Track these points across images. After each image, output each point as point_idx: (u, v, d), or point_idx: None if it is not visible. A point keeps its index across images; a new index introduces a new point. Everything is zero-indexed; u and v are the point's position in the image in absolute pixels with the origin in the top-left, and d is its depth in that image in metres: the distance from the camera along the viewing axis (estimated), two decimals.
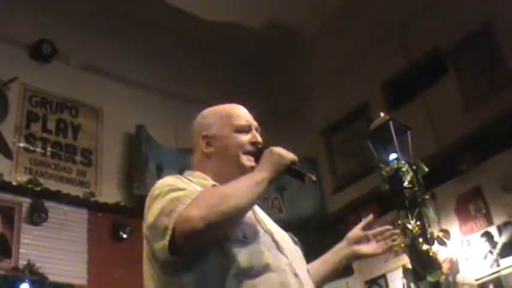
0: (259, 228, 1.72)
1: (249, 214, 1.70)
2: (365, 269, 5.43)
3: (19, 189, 4.73)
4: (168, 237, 1.54)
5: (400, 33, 5.69)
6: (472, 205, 4.77)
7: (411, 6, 5.51)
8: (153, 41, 6.09)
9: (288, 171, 1.76)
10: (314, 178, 1.84)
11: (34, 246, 4.61)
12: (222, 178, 1.75)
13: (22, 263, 4.44)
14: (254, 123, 1.94)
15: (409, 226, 4.11)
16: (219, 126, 1.89)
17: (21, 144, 5.00)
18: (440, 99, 5.24)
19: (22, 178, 4.80)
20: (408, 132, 4.57)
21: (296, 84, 6.66)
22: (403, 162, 4.35)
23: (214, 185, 1.72)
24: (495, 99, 4.85)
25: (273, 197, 6.14)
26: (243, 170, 1.80)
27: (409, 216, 4.17)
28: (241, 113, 1.96)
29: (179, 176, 1.78)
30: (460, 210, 4.84)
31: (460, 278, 4.62)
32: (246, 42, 6.37)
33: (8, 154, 4.89)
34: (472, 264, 4.61)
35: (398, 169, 4.32)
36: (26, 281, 4.34)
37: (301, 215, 6.06)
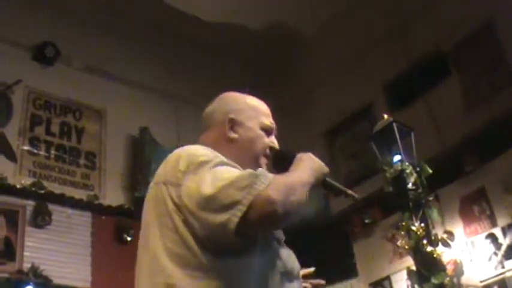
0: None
1: None
2: (369, 270, 5.42)
3: (23, 192, 4.73)
4: (240, 214, 1.41)
5: (401, 33, 5.68)
6: (476, 206, 4.76)
7: (412, 7, 5.50)
8: (155, 42, 6.09)
9: (325, 181, 1.74)
10: (356, 196, 1.84)
11: (38, 249, 4.61)
12: None
13: (26, 265, 4.44)
14: (274, 126, 1.91)
15: (413, 228, 4.11)
16: (249, 116, 1.84)
17: (25, 147, 5.01)
18: (442, 100, 5.23)
19: (26, 181, 4.80)
20: (412, 134, 4.57)
21: (297, 86, 6.65)
22: (406, 163, 4.35)
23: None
24: (497, 99, 4.83)
25: None
26: None
27: (413, 218, 4.17)
28: (269, 113, 1.92)
29: (209, 149, 1.64)
30: (464, 211, 4.83)
31: (464, 279, 4.61)
32: (246, 43, 6.36)
33: (12, 157, 4.89)
34: (477, 266, 4.60)
35: (402, 171, 4.32)
36: (30, 283, 4.35)
37: (305, 217, 6.04)
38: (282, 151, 1.83)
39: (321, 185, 1.73)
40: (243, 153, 1.77)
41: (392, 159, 4.45)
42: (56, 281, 4.52)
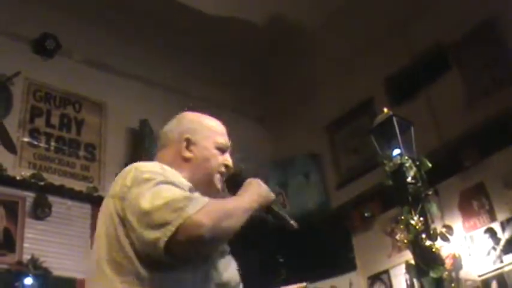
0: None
1: None
2: (368, 264, 5.44)
3: (23, 184, 4.74)
4: (169, 234, 1.49)
5: (402, 28, 5.67)
6: (476, 201, 4.76)
7: (413, 2, 5.49)
8: (156, 35, 6.08)
9: (269, 208, 1.84)
10: (296, 226, 1.92)
11: (38, 241, 4.62)
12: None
13: (26, 257, 4.45)
14: (229, 145, 1.99)
15: (412, 222, 4.12)
16: (204, 136, 1.94)
17: (25, 139, 5.01)
18: (443, 94, 5.23)
19: (26, 173, 4.81)
20: (411, 128, 4.57)
21: (298, 80, 6.65)
22: (406, 157, 4.35)
23: (191, 188, 1.70)
24: (498, 94, 4.84)
25: (276, 192, 6.14)
26: (212, 189, 1.85)
27: (412, 212, 4.17)
28: (224, 132, 2.01)
29: (162, 165, 1.74)
30: (463, 206, 4.83)
31: (463, 274, 4.61)
32: (248, 37, 6.35)
33: (12, 149, 4.90)
34: (475, 261, 4.61)
35: (401, 165, 4.32)
36: (30, 275, 4.36)
37: (305, 210, 6.06)
38: (234, 176, 1.91)
39: (264, 211, 1.83)
40: (198, 172, 1.87)
41: (392, 153, 4.45)
42: (56, 272, 4.53)
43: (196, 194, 1.63)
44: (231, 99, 6.50)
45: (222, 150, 1.94)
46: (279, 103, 6.80)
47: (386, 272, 5.25)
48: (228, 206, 1.64)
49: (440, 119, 5.20)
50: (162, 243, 1.49)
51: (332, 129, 6.32)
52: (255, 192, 1.78)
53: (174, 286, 1.57)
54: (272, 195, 1.84)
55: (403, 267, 4.69)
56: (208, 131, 1.96)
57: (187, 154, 1.88)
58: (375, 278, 5.35)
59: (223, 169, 1.90)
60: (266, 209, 1.82)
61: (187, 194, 1.59)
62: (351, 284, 5.53)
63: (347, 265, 5.57)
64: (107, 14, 5.77)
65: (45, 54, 5.35)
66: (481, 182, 4.75)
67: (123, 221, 1.61)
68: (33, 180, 4.78)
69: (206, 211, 1.53)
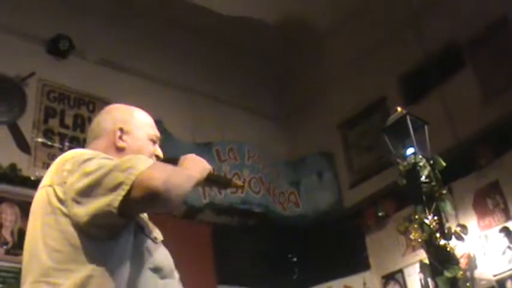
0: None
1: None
2: (382, 264, 5.42)
3: (37, 184, 4.73)
4: (123, 193, 1.51)
5: (416, 26, 5.65)
6: (490, 200, 4.73)
7: None
8: (169, 35, 6.10)
9: (209, 177, 1.88)
10: (241, 183, 1.96)
11: None
12: None
13: None
14: (159, 136, 2.03)
15: (427, 221, 4.10)
16: (137, 126, 1.97)
17: (39, 140, 5.04)
18: (457, 92, 5.19)
19: (40, 173, 4.82)
20: (425, 127, 4.55)
21: (311, 79, 6.64)
22: (420, 156, 4.34)
23: None
24: None
25: (289, 191, 6.14)
26: None
27: (427, 211, 4.16)
28: (153, 124, 2.05)
29: (96, 151, 1.77)
30: (477, 205, 4.80)
31: (477, 273, 4.59)
32: (261, 36, 6.36)
33: (27, 149, 4.93)
34: (490, 260, 4.57)
35: (415, 164, 4.31)
36: None
37: (318, 210, 6.06)
38: (168, 158, 1.94)
39: (206, 179, 1.87)
40: None
41: (405, 152, 4.44)
42: None
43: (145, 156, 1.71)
44: (245, 99, 6.50)
45: (153, 141, 1.98)
46: (293, 102, 6.79)
47: (401, 271, 5.22)
48: (174, 168, 1.68)
49: (454, 117, 5.17)
50: (116, 203, 1.51)
51: (345, 128, 6.30)
52: (192, 163, 1.82)
53: (114, 265, 1.57)
54: (209, 166, 1.88)
55: (417, 266, 4.67)
56: (140, 121, 1.99)
57: (121, 144, 1.90)
58: (388, 278, 5.33)
59: (154, 159, 1.91)
60: (207, 178, 1.87)
61: (133, 156, 1.65)
62: (364, 284, 5.51)
63: (361, 264, 5.56)
64: (120, 14, 5.79)
65: (58, 55, 5.37)
66: (495, 180, 4.72)
67: (66, 202, 1.61)
68: None
69: (157, 166, 1.58)
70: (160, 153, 1.97)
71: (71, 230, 1.59)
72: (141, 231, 1.72)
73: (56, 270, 1.57)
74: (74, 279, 1.54)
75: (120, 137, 1.91)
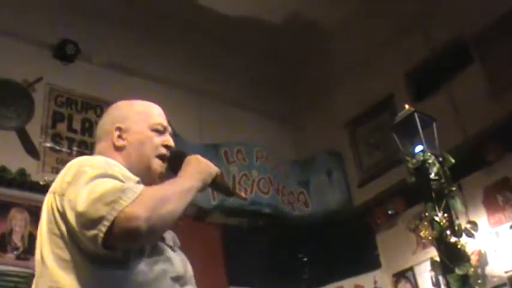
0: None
1: None
2: (392, 262, 5.40)
3: (46, 189, 4.73)
4: (104, 229, 1.45)
5: (422, 22, 5.63)
6: (500, 196, 4.70)
7: None
8: (175, 36, 6.09)
9: (214, 183, 1.78)
10: (245, 196, 1.89)
11: None
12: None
13: None
14: (169, 127, 1.94)
15: (437, 218, 4.09)
16: (135, 120, 1.88)
17: (48, 144, 5.05)
18: (465, 88, 5.17)
19: (49, 178, 4.83)
20: (434, 124, 4.54)
21: (319, 77, 6.63)
22: (429, 154, 4.32)
23: (138, 181, 1.64)
24: None
25: (298, 191, 6.14)
26: (152, 174, 1.80)
27: (436, 208, 4.14)
28: (158, 113, 1.96)
29: (106, 158, 1.71)
30: (488, 201, 4.78)
31: (489, 270, 4.57)
32: (267, 35, 6.34)
33: (35, 154, 4.94)
34: (501, 257, 4.55)
35: (424, 161, 4.29)
36: None
37: (328, 209, 6.04)
38: (173, 152, 1.86)
39: (210, 187, 1.78)
40: (134, 158, 1.82)
41: (414, 150, 4.43)
42: None
43: (132, 184, 1.57)
44: (251, 99, 6.50)
45: (159, 131, 1.89)
46: (299, 102, 6.78)
47: (411, 269, 5.21)
48: (164, 191, 1.58)
49: (462, 113, 5.14)
50: (99, 239, 1.46)
51: (353, 126, 6.29)
52: (195, 170, 1.72)
53: (120, 284, 1.54)
54: (215, 169, 1.78)
55: (428, 264, 4.65)
56: (139, 114, 1.90)
57: (120, 142, 1.83)
58: (399, 276, 5.31)
59: (163, 151, 1.85)
60: (211, 184, 1.77)
61: (120, 185, 1.53)
62: (375, 282, 5.50)
63: (371, 263, 5.54)
64: (126, 17, 5.80)
65: (65, 59, 5.39)
66: (505, 176, 4.70)
67: (64, 218, 1.58)
68: None
69: (140, 201, 1.48)
70: (170, 143, 1.88)
71: (72, 245, 1.58)
72: (160, 239, 1.69)
73: (66, 279, 1.55)
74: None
75: (119, 136, 1.84)
